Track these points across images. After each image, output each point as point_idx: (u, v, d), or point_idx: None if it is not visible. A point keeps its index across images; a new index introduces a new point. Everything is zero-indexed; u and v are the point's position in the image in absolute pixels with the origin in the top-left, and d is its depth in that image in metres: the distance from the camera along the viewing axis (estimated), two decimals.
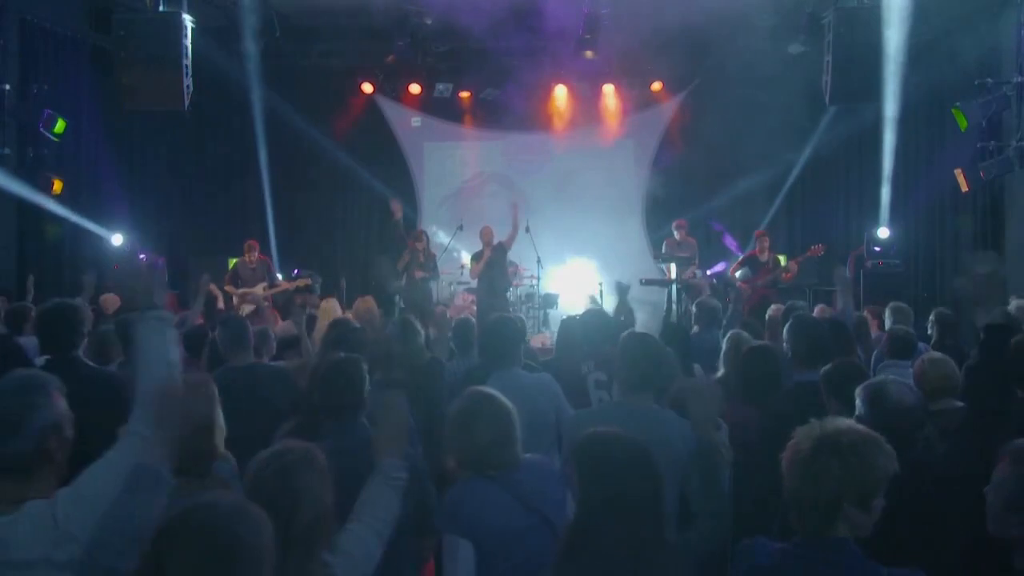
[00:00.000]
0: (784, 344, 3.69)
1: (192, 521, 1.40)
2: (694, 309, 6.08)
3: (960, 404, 3.31)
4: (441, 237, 11.25)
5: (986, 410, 2.52)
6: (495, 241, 9.46)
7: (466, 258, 10.74)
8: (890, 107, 9.32)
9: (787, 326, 3.68)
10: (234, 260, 10.86)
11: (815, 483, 1.85)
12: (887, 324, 5.25)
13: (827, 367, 2.85)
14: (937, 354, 3.65)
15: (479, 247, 9.65)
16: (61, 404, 1.95)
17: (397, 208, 9.68)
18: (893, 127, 10.12)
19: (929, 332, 5.23)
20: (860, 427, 1.96)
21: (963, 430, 2.58)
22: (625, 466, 1.98)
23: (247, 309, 9.40)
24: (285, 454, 1.91)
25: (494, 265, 9.41)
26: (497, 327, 3.83)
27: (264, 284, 9.81)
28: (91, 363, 3.82)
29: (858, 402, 2.50)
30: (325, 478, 1.90)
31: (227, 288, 9.78)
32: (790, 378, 3.65)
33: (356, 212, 12.72)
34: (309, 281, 9.68)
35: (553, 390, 3.71)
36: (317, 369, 3.07)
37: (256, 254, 9.93)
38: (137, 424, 1.97)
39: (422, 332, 4.11)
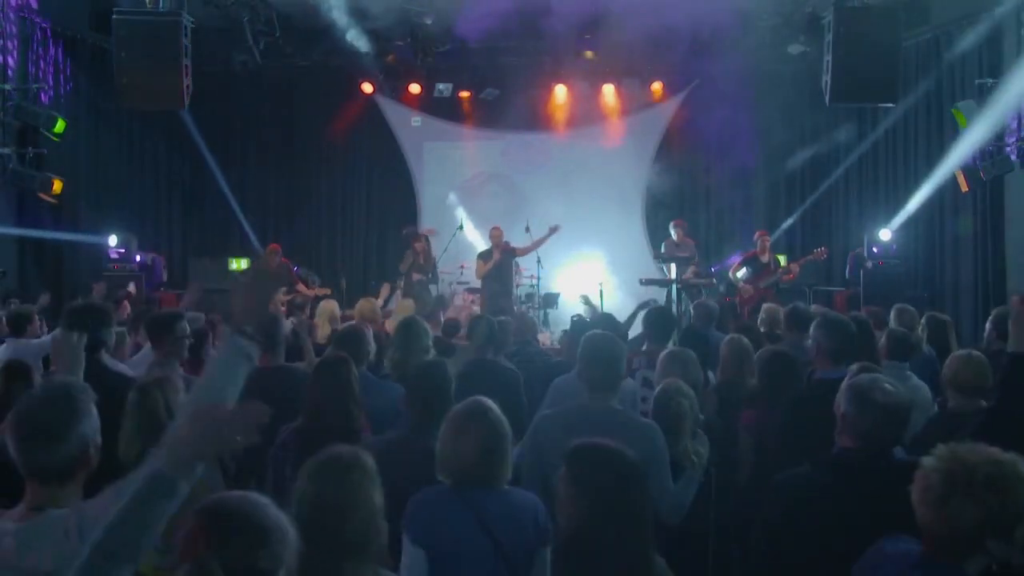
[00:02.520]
0: (810, 340, 3.65)
1: (227, 505, 1.47)
2: (692, 310, 6.07)
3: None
4: (441, 236, 11.23)
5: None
6: (504, 242, 9.45)
7: (467, 259, 10.73)
8: (890, 107, 9.32)
9: (816, 323, 3.61)
10: (245, 260, 10.83)
11: (949, 524, 1.72)
12: (892, 324, 5.22)
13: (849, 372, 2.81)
14: (974, 352, 3.53)
15: (481, 247, 9.63)
16: (95, 412, 1.99)
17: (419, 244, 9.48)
18: (893, 127, 10.11)
19: (920, 333, 5.20)
20: (999, 455, 1.76)
21: (980, 433, 2.52)
22: (620, 480, 1.94)
23: None
24: (339, 458, 1.91)
25: (503, 267, 9.42)
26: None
27: (284, 289, 9.71)
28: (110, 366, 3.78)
29: (843, 400, 2.40)
30: (377, 482, 1.91)
31: None
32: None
33: (356, 212, 12.71)
34: (329, 291, 9.62)
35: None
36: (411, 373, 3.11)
37: (278, 258, 9.78)
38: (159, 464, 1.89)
39: (429, 332, 4.04)
